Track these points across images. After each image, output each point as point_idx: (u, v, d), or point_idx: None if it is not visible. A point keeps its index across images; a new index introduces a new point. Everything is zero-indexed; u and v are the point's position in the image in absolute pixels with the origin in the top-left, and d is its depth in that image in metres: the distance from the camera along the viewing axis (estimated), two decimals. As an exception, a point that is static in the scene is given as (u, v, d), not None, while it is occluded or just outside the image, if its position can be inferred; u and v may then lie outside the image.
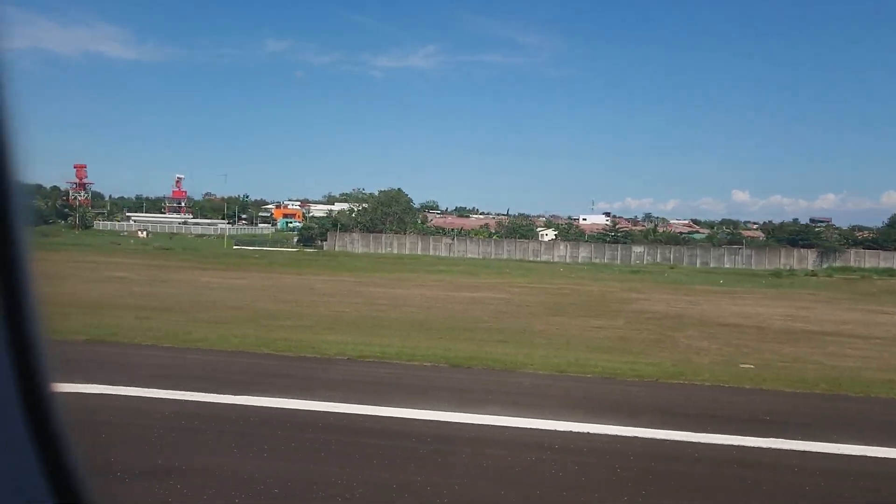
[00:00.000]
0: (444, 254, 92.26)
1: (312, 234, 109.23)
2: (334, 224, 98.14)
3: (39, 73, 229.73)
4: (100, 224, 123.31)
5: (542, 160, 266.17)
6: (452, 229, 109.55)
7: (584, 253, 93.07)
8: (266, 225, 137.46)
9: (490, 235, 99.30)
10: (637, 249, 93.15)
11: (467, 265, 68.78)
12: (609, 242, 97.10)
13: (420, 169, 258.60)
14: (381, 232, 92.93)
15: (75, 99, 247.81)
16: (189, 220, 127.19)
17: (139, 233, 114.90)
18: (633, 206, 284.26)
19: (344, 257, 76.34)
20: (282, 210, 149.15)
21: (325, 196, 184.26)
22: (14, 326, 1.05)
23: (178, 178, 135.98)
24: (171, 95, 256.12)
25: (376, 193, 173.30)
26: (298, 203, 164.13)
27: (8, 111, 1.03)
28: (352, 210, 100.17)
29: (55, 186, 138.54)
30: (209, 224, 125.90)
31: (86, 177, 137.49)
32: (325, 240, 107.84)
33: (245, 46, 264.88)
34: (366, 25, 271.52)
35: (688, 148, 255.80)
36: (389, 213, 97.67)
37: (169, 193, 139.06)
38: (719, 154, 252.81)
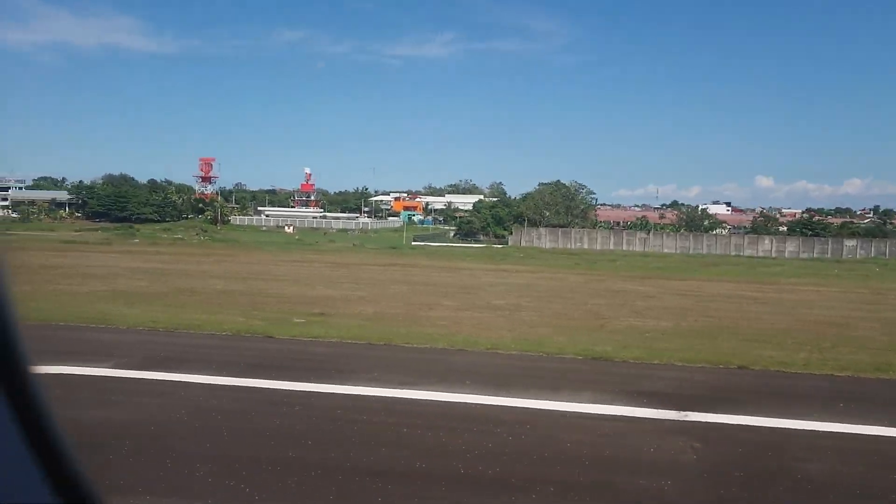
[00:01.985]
0: (637, 248, 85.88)
1: (473, 228, 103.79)
2: (517, 218, 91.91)
3: (59, 67, 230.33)
4: (236, 219, 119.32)
5: (559, 147, 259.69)
6: (618, 222, 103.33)
7: (790, 247, 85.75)
8: (395, 218, 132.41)
9: (678, 230, 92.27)
10: (849, 243, 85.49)
11: (725, 264, 61.87)
12: (808, 235, 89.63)
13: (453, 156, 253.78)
14: (567, 227, 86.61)
15: (94, 90, 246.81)
16: (328, 215, 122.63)
17: (286, 228, 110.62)
18: (655, 192, 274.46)
19: (563, 255, 70.07)
20: (402, 203, 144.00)
21: (425, 188, 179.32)
22: None
23: (308, 172, 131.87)
24: (189, 85, 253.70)
25: (486, 187, 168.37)
26: (408, 195, 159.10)
27: None
28: (532, 202, 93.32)
29: (183, 185, 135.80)
30: (348, 218, 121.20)
31: (211, 170, 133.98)
32: (486, 234, 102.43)
33: (260, 36, 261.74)
34: (380, 14, 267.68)
35: (711, 133, 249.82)
36: (553, 206, 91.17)
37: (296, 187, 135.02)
38: (743, 139, 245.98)
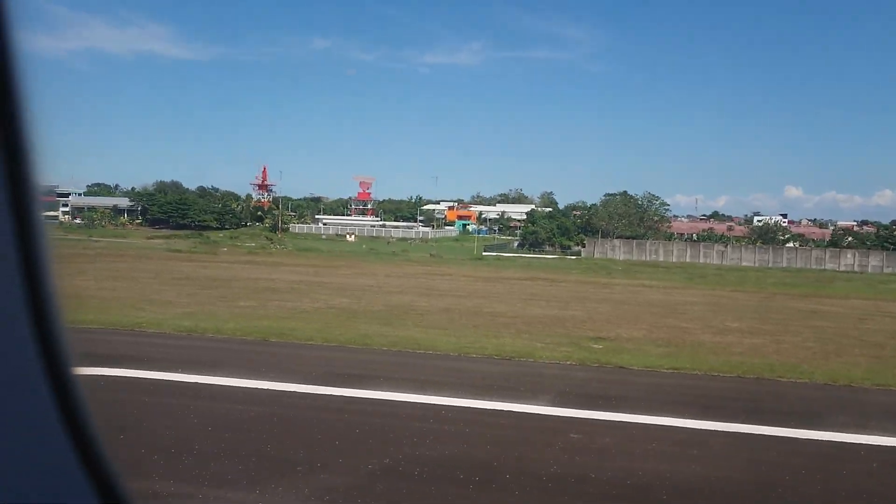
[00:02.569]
0: (715, 262, 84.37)
1: (538, 238, 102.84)
2: (583, 229, 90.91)
3: (91, 73, 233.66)
4: (294, 227, 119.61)
5: (587, 156, 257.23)
6: (681, 233, 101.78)
7: (874, 262, 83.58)
8: (450, 227, 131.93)
9: (754, 241, 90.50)
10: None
11: (838, 280, 60.17)
12: (890, 249, 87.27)
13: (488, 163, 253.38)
14: (642, 238, 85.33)
15: (126, 96, 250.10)
16: (387, 224, 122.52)
17: (348, 236, 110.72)
18: (683, 202, 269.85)
19: (660, 268, 68.76)
20: (456, 212, 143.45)
21: (473, 197, 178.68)
22: (37, 315, 1.13)
23: (364, 180, 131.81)
24: (221, 92, 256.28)
25: (536, 197, 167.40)
26: (458, 203, 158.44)
27: (28, 110, 1.09)
28: (598, 211, 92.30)
29: (229, 192, 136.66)
30: (407, 227, 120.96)
31: (268, 178, 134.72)
32: (552, 244, 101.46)
33: (290, 44, 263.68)
34: (410, 22, 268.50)
35: (740, 143, 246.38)
36: (626, 217, 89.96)
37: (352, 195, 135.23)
38: (772, 149, 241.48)
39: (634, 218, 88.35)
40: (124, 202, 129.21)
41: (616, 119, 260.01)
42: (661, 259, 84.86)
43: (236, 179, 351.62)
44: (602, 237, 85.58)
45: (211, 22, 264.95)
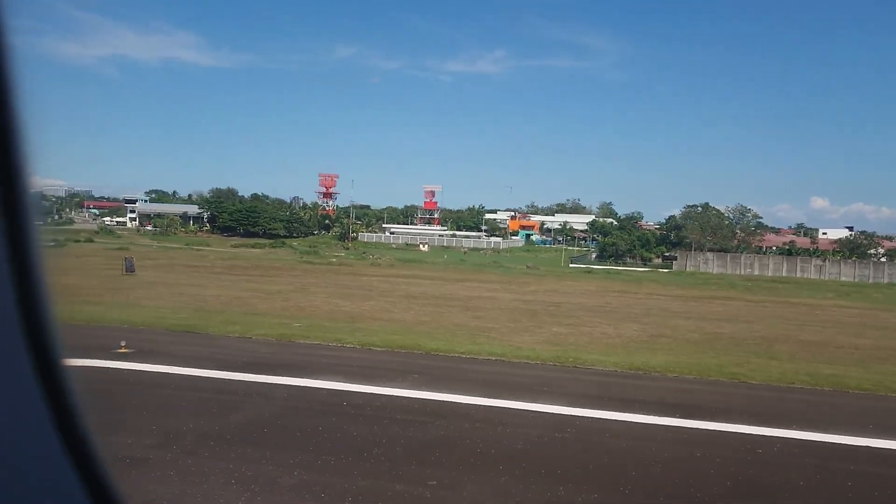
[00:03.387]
0: (813, 276, 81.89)
1: (619, 250, 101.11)
2: (664, 240, 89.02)
3: (120, 79, 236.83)
4: (363, 236, 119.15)
5: (609, 164, 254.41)
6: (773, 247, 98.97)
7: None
8: (516, 237, 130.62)
9: (845, 255, 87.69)
10: None
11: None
12: None
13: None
14: (736, 251, 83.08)
15: (152, 102, 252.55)
16: (458, 234, 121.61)
17: (420, 246, 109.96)
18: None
19: (784, 283, 66.67)
20: (518, 222, 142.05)
21: (528, 206, 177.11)
22: (26, 308, 1.18)
23: (431, 189, 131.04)
24: (248, 99, 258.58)
25: (595, 207, 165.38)
26: (515, 213, 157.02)
27: (16, 109, 1.14)
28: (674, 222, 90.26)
29: (279, 199, 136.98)
30: (478, 237, 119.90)
31: (333, 185, 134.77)
32: (632, 256, 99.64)
33: (314, 52, 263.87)
34: (433, 31, 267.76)
35: (764, 153, 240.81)
36: (720, 230, 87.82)
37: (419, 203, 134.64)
38: (797, 159, 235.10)
39: (727, 231, 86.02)
40: (192, 209, 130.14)
41: (637, 128, 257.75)
42: (756, 273, 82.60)
43: (270, 185, 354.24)
44: (695, 250, 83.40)
45: (236, 30, 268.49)
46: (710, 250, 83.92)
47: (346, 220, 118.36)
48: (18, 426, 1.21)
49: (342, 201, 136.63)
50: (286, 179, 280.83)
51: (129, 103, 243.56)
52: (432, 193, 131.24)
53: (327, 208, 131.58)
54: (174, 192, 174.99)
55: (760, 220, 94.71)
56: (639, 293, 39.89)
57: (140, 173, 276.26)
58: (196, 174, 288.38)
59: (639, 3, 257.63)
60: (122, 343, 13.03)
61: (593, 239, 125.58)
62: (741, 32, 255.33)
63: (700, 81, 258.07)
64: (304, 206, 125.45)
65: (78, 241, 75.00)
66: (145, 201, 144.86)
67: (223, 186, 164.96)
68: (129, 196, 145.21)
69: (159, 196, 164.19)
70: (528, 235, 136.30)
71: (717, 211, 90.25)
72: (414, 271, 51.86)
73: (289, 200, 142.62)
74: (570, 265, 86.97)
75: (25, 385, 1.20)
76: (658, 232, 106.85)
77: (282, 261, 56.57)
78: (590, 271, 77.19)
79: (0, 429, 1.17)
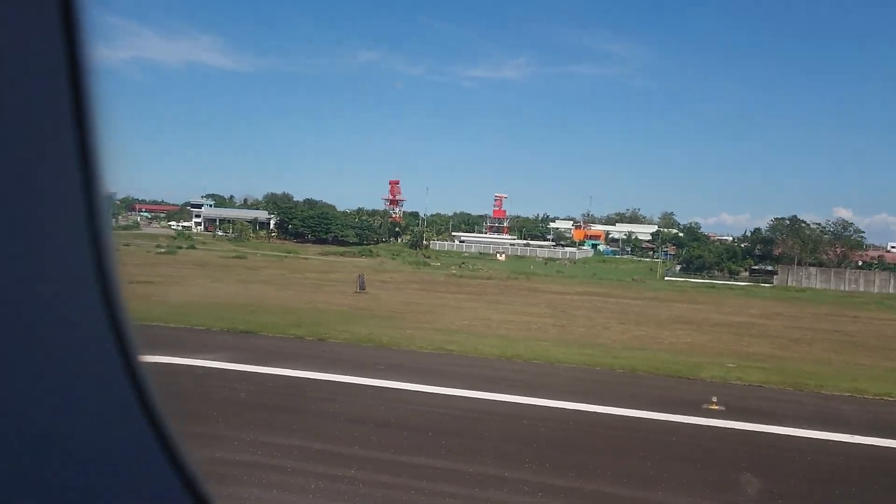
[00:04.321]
0: (922, 293, 78.81)
1: (705, 262, 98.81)
2: (747, 253, 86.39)
3: (142, 82, 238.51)
4: (434, 244, 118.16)
5: (627, 173, 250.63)
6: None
7: None
8: (585, 247, 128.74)
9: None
10: None
11: None
12: None
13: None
14: (841, 267, 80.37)
15: (176, 106, 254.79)
16: (532, 243, 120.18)
17: (498, 255, 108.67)
18: (729, 221, 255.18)
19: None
20: (583, 231, 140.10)
21: (584, 214, 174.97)
22: (108, 308, 1.25)
23: (500, 197, 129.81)
24: (266, 103, 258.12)
25: (658, 217, 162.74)
26: (574, 223, 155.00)
27: (96, 118, 1.18)
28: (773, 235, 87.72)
29: (327, 204, 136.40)
30: (553, 246, 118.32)
31: (400, 192, 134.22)
32: (720, 269, 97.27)
33: (337, 56, 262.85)
34: (456, 36, 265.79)
35: (787, 162, 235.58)
36: (823, 245, 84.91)
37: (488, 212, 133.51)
38: (820, 169, 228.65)
39: (827, 245, 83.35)
40: (261, 214, 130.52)
41: (652, 137, 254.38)
42: (862, 289, 79.73)
43: (314, 190, 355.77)
44: (797, 265, 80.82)
45: (260, 34, 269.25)
46: (813, 265, 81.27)
47: (416, 227, 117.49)
48: (115, 422, 1.23)
49: (408, 207, 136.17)
50: (320, 182, 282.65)
51: (151, 106, 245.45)
52: (500, 200, 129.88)
53: (394, 215, 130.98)
54: (231, 196, 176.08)
55: (862, 234, 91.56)
56: (822, 313, 38.07)
57: (171, 176, 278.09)
58: (225, 178, 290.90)
59: (664, 7, 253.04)
60: (713, 399, 12.02)
61: (664, 251, 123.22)
62: (764, 41, 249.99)
63: (719, 93, 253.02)
64: (374, 213, 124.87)
65: (180, 247, 74.87)
66: (210, 205, 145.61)
67: (278, 191, 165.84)
68: (194, 201, 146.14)
69: (218, 201, 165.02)
70: (594, 245, 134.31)
71: (819, 225, 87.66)
72: (548, 285, 50.54)
73: (339, 206, 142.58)
74: (666, 278, 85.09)
75: (113, 381, 1.21)
76: (740, 245, 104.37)
77: (432, 273, 55.48)
78: (697, 286, 75.15)
79: (99, 424, 1.20)
